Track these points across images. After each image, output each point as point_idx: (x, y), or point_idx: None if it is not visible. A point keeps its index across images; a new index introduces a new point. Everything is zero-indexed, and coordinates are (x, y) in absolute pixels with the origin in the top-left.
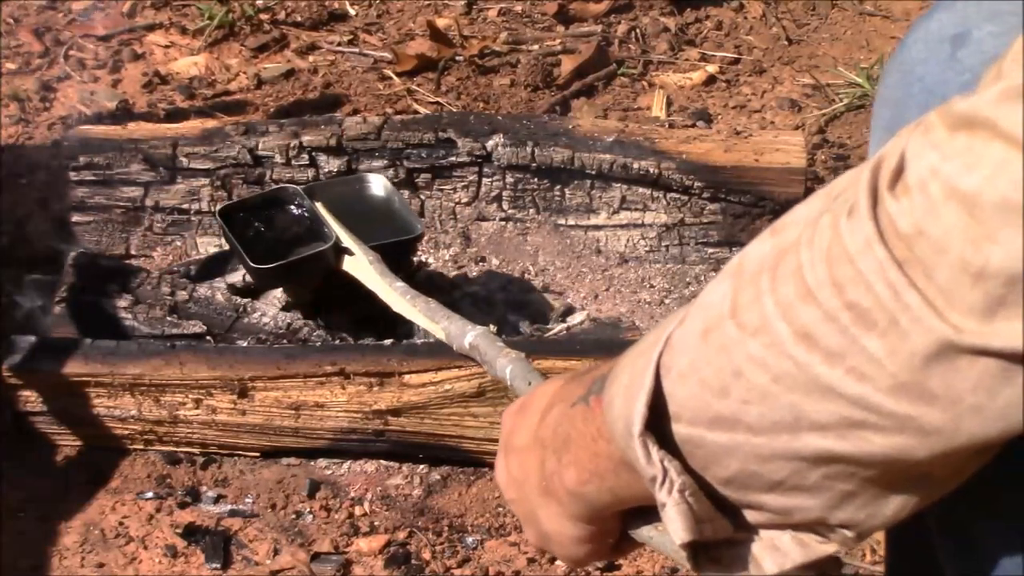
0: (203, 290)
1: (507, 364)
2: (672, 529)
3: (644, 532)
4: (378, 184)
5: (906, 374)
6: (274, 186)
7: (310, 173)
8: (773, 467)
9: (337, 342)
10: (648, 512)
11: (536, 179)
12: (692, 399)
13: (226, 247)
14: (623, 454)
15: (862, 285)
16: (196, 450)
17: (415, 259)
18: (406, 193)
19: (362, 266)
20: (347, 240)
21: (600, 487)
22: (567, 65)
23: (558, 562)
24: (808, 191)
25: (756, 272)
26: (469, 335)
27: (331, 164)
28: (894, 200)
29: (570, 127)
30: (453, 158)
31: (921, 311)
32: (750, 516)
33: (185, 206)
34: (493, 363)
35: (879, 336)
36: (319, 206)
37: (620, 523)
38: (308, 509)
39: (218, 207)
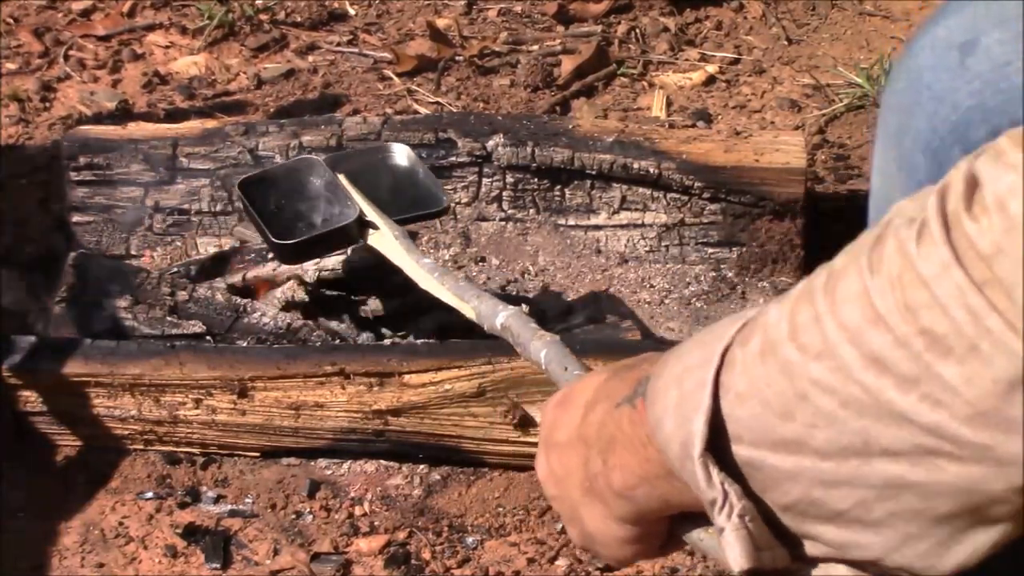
0: (203, 290)
1: (542, 347)
2: (731, 556)
3: (695, 535)
4: (401, 154)
5: (985, 402)
6: (296, 156)
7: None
8: (838, 494)
9: (337, 342)
10: (696, 513)
11: (536, 179)
12: (754, 420)
13: (224, 248)
14: (677, 471)
15: (937, 310)
16: (196, 450)
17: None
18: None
19: (387, 241)
20: (371, 213)
21: (650, 493)
22: (567, 65)
23: (558, 562)
24: (808, 191)
25: (809, 293)
26: (501, 315)
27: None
28: (972, 221)
29: (570, 127)
30: (453, 158)
31: (1004, 335)
32: (808, 547)
33: (185, 206)
34: (527, 345)
35: (956, 363)
36: (342, 177)
37: (667, 524)
38: (308, 509)
39: (238, 179)
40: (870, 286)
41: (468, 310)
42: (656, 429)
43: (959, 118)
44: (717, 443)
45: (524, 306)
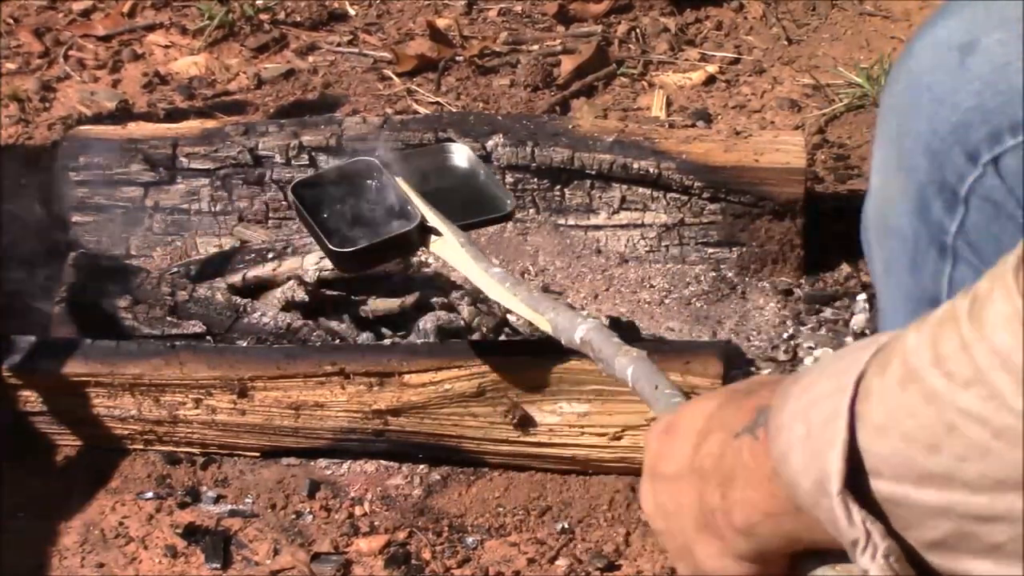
0: (203, 290)
1: (628, 364)
2: None
3: (819, 573)
4: (462, 155)
5: None
6: (351, 159)
7: (310, 173)
8: (996, 528)
9: (337, 342)
10: (822, 550)
11: (536, 179)
12: (895, 455)
13: (224, 248)
14: (808, 508)
15: None
16: (196, 450)
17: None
18: None
19: (452, 248)
20: (433, 219)
21: (774, 530)
22: (567, 65)
23: (558, 562)
24: (808, 191)
25: (952, 319)
26: (581, 328)
27: (331, 164)
28: None
29: (570, 127)
30: None
31: None
32: None
33: (185, 206)
34: (610, 361)
35: None
36: (400, 180)
37: (788, 561)
38: (308, 509)
39: (292, 182)
40: (1021, 308)
41: (543, 322)
42: (781, 463)
43: (959, 119)
44: (853, 478)
45: (604, 318)
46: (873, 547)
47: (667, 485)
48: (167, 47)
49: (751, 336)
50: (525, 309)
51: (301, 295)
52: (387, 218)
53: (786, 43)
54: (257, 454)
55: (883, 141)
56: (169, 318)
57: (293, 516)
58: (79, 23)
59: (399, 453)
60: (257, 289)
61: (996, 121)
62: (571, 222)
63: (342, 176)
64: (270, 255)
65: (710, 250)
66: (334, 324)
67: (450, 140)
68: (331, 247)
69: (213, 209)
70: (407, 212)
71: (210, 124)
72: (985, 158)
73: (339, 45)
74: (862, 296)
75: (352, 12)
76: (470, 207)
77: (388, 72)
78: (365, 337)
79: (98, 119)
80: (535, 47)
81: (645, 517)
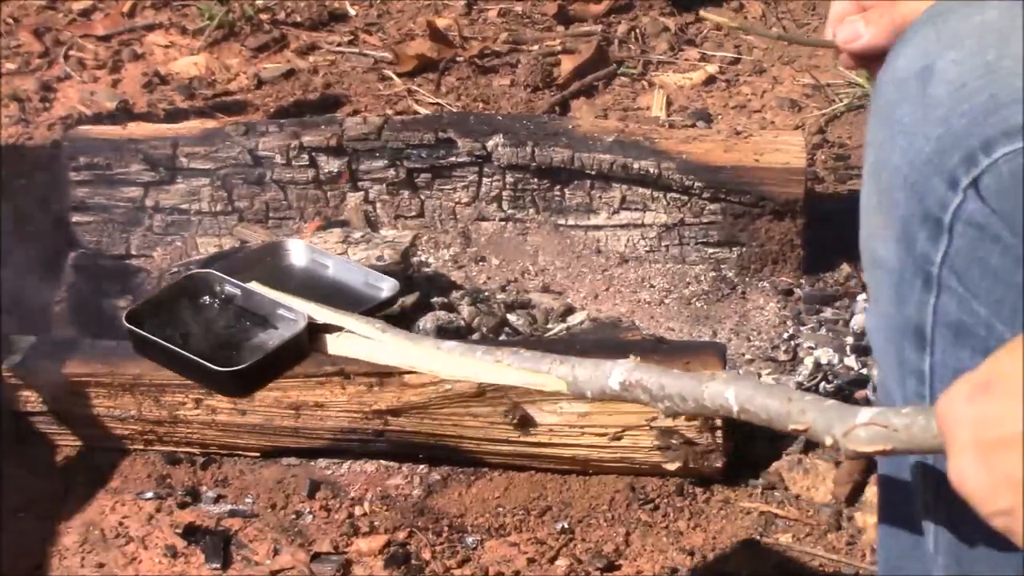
0: None
1: (725, 387)
2: None
3: None
4: (299, 250)
5: None
6: (182, 274)
7: (310, 173)
8: None
9: None
10: None
11: (536, 179)
12: None
13: (224, 248)
14: None
15: None
16: (196, 450)
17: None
18: (406, 193)
19: (368, 342)
20: (324, 314)
21: None
22: (567, 65)
23: (558, 562)
24: (808, 191)
25: None
26: (618, 372)
27: (331, 164)
28: None
29: (570, 127)
30: (453, 158)
31: None
32: None
33: (185, 206)
34: (686, 394)
35: None
36: (256, 285)
37: None
38: (308, 509)
39: (124, 313)
40: None
41: (552, 381)
42: None
43: (932, 148)
44: None
45: (634, 357)
46: None
47: (1008, 451)
48: (167, 47)
49: (751, 336)
50: (524, 375)
51: None
52: (259, 330)
53: (786, 43)
54: (257, 454)
55: (865, 175)
56: None
57: (293, 516)
58: (79, 23)
59: (399, 453)
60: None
61: (967, 143)
62: (571, 222)
63: (180, 294)
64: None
65: (710, 250)
66: None
67: (280, 239)
68: (214, 369)
69: (213, 209)
70: (282, 317)
71: (210, 124)
72: (964, 183)
73: (339, 45)
74: (862, 296)
75: (352, 12)
76: (350, 299)
77: (388, 72)
78: None
79: (98, 119)
80: (535, 47)
81: (973, 500)
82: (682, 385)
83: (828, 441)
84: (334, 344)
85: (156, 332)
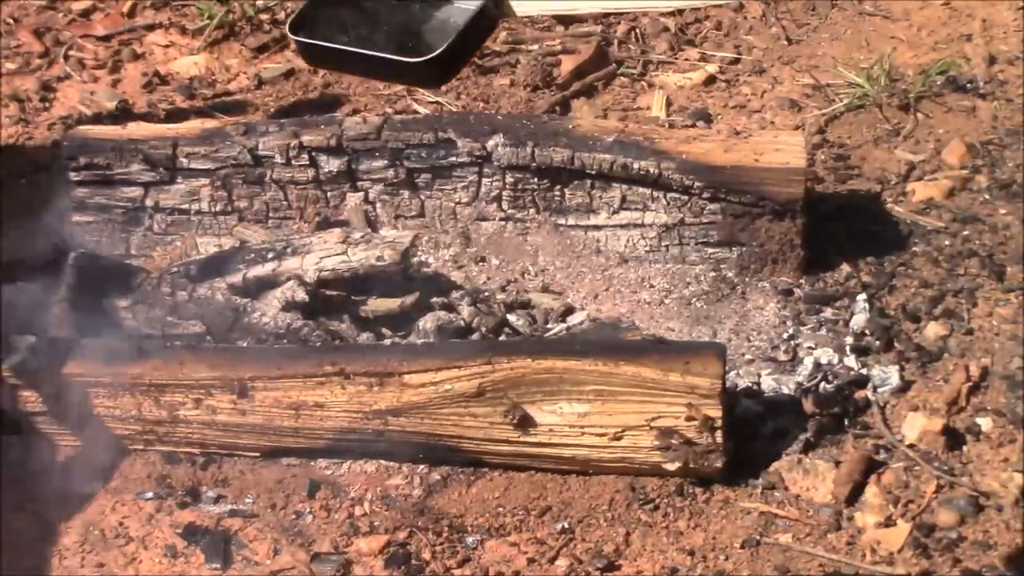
0: (203, 290)
1: None
2: None
3: None
4: None
5: None
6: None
7: (310, 173)
8: None
9: (337, 342)
10: None
11: (536, 179)
12: None
13: (224, 248)
14: None
15: None
16: (196, 450)
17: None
18: (406, 193)
19: None
20: None
21: None
22: (567, 65)
23: (558, 562)
24: (808, 191)
25: None
26: None
27: (331, 164)
28: None
29: (570, 127)
30: (453, 158)
31: None
32: None
33: (185, 206)
34: None
35: None
36: None
37: None
38: (308, 509)
39: (287, 25)
40: None
41: None
42: None
43: None
44: None
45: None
46: None
47: None
48: (167, 47)
49: (751, 336)
50: None
51: (301, 295)
52: (432, 9)
53: (786, 43)
54: (257, 454)
55: None
56: (169, 318)
57: (293, 516)
58: (79, 23)
59: (399, 453)
60: (257, 289)
61: None
62: (571, 222)
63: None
64: (270, 255)
65: (710, 250)
66: (334, 324)
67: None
68: (409, 62)
69: (213, 209)
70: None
71: (210, 124)
72: None
73: None
74: (862, 296)
75: None
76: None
77: None
78: (365, 337)
79: (98, 119)
80: (535, 47)
81: None
82: None
83: None
84: (521, 3)
85: (328, 39)
